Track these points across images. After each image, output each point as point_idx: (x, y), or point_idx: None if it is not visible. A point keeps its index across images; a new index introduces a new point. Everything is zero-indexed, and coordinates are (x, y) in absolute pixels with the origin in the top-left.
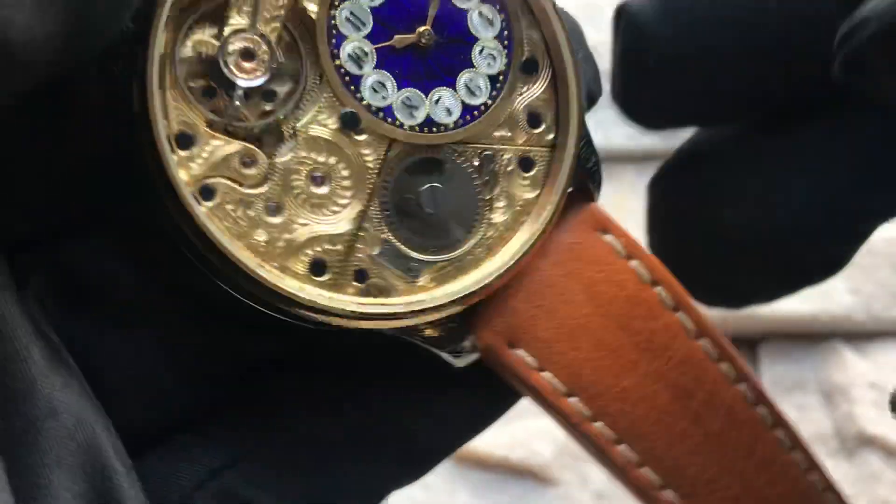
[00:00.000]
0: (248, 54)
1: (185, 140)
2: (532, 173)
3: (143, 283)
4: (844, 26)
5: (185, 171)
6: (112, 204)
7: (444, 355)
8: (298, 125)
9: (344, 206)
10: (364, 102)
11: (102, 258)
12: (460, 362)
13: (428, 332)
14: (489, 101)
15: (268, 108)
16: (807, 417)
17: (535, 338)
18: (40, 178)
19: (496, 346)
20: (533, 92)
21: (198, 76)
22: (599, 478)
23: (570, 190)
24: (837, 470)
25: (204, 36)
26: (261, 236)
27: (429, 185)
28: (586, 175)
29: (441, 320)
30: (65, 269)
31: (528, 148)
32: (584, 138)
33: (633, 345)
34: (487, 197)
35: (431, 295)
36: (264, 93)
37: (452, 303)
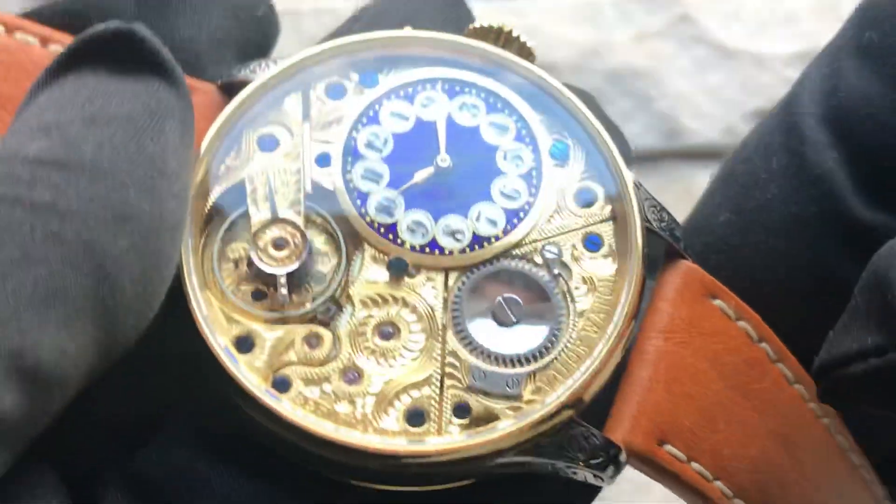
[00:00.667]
0: (278, 244)
1: (244, 344)
2: (602, 251)
3: (226, 480)
4: (821, 356)
5: (253, 372)
6: (179, 405)
7: (587, 474)
8: (351, 291)
9: (421, 349)
10: (406, 245)
11: (180, 458)
12: (607, 475)
13: (567, 451)
14: (530, 199)
15: (317, 286)
16: None
17: (681, 429)
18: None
19: (647, 448)
20: (573, 173)
21: (242, 283)
22: None
23: (646, 252)
24: None
25: (235, 243)
26: (345, 408)
27: (499, 298)
28: (666, 234)
29: (565, 430)
30: (142, 478)
31: (589, 228)
32: (646, 200)
33: (752, 408)
34: (565, 289)
35: (539, 405)
36: (310, 275)
37: (563, 406)
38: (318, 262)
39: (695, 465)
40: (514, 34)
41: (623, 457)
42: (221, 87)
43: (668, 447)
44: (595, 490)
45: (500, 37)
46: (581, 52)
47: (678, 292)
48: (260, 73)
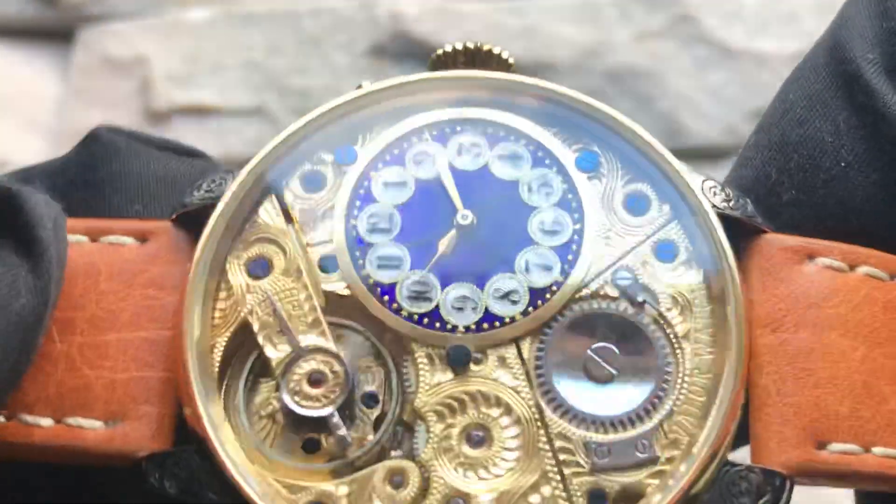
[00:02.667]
0: (314, 380)
1: None
2: (680, 257)
3: None
4: None
5: None
6: None
7: None
8: (417, 403)
9: (522, 444)
10: (459, 328)
11: None
12: None
13: (726, 498)
14: (577, 226)
15: (376, 412)
16: None
17: (838, 418)
18: None
19: (808, 458)
20: (612, 180)
21: (287, 439)
22: None
23: (727, 241)
24: None
25: (262, 395)
26: None
27: (588, 352)
28: (738, 212)
29: (723, 479)
30: None
31: (656, 237)
32: (705, 181)
33: None
34: (655, 315)
35: (686, 463)
36: (358, 400)
37: (711, 455)
38: (364, 381)
39: (877, 449)
40: (487, 49)
41: (788, 482)
42: (178, 220)
43: (834, 446)
44: None
45: (473, 57)
46: (581, 51)
47: (767, 273)
48: (217, 191)
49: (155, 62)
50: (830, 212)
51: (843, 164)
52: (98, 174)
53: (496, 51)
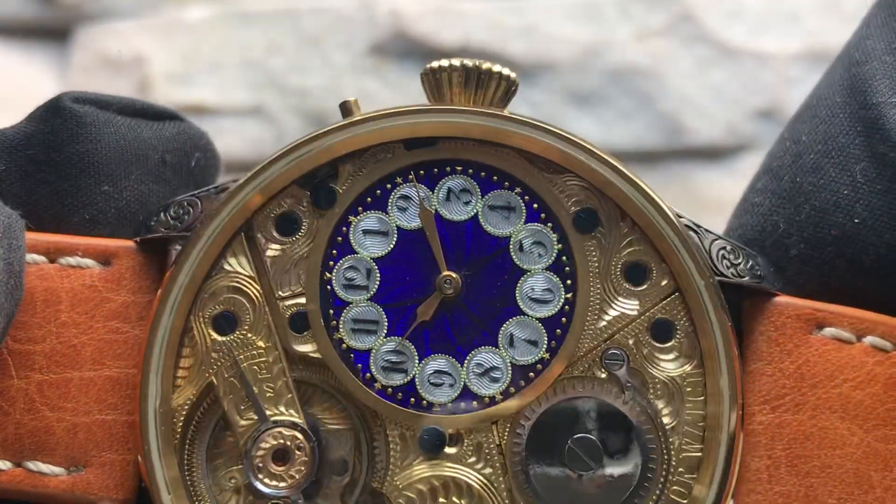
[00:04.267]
0: (278, 457)
1: None
2: (676, 337)
3: None
4: None
5: None
6: None
7: None
8: (386, 488)
9: None
10: (435, 406)
11: None
12: None
13: None
14: (568, 296)
15: (346, 479)
16: None
17: None
18: None
19: None
20: (611, 244)
21: None
22: None
23: (728, 317)
24: None
25: (227, 468)
26: None
27: (569, 444)
28: (746, 278)
29: None
30: None
31: (651, 313)
32: (712, 244)
33: None
34: (644, 405)
35: None
36: (331, 466)
37: None
38: (335, 445)
39: None
40: (486, 68)
41: None
42: (141, 244)
43: None
44: None
45: (469, 78)
46: (582, 51)
47: (774, 343)
48: (184, 221)
49: (153, 61)
50: (838, 271)
51: (856, 220)
52: (63, 153)
53: (496, 69)
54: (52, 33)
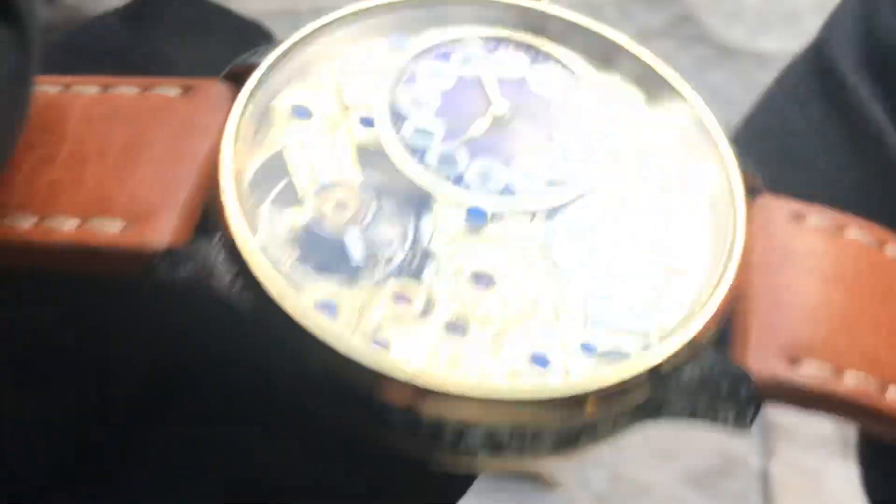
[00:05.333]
0: (337, 208)
1: (327, 310)
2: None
3: None
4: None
5: (346, 329)
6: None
7: (727, 415)
8: (432, 247)
9: (527, 290)
10: (481, 193)
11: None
12: (744, 420)
13: (698, 397)
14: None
15: (389, 252)
16: None
17: (814, 340)
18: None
19: (779, 373)
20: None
21: (304, 256)
22: (599, 480)
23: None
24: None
25: (286, 214)
26: (469, 362)
27: (594, 238)
28: (742, 168)
29: (700, 372)
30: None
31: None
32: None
33: None
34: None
35: (664, 342)
36: (378, 238)
37: (698, 340)
38: (383, 223)
39: (849, 374)
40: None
41: (755, 389)
42: (227, 77)
43: (807, 364)
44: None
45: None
46: None
47: (762, 228)
48: (273, 52)
49: None
50: (800, 195)
51: (814, 152)
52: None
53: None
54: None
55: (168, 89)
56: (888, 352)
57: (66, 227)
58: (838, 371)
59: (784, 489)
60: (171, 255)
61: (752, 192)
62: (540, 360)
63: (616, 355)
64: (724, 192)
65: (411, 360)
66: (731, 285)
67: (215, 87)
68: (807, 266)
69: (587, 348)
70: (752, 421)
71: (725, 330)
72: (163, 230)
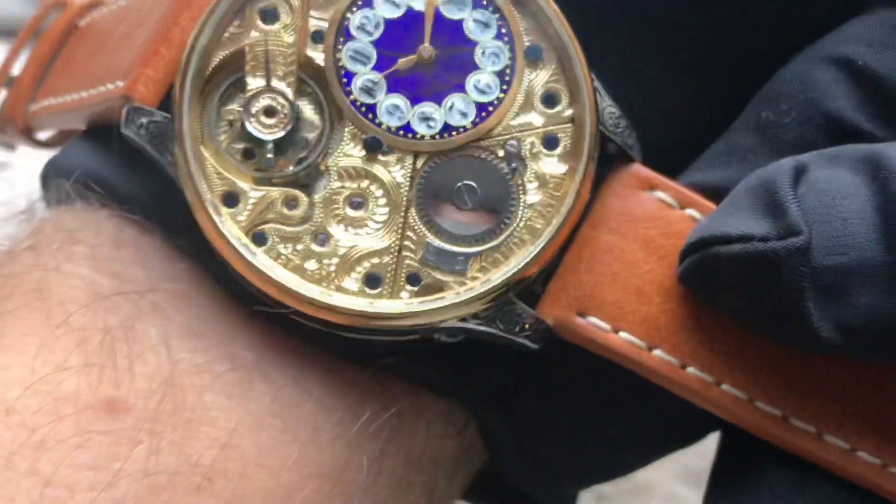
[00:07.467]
0: (269, 112)
1: (230, 199)
2: (558, 150)
3: None
4: (700, 231)
5: (234, 224)
6: None
7: (521, 340)
8: (329, 161)
9: (384, 222)
10: (383, 126)
11: None
12: (536, 343)
13: (500, 323)
14: (501, 95)
15: (302, 154)
16: None
17: (603, 302)
18: None
19: (566, 318)
20: (542, 76)
21: (236, 141)
22: None
23: (597, 156)
24: None
25: (233, 105)
26: (313, 266)
27: (459, 184)
28: (618, 139)
29: (502, 307)
30: None
31: (549, 128)
32: (606, 107)
33: None
34: (519, 182)
35: (481, 282)
36: (295, 141)
37: (503, 285)
38: (304, 129)
39: (623, 334)
40: None
41: (541, 322)
42: None
43: (591, 319)
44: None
45: None
46: None
47: (612, 190)
48: None
49: None
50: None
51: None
52: None
53: None
54: None
55: None
56: (666, 318)
57: (85, 95)
58: (616, 329)
59: None
60: (130, 112)
61: (621, 155)
62: (374, 281)
63: (435, 289)
64: (581, 157)
65: (273, 261)
66: (557, 239)
67: None
68: (633, 232)
69: (414, 278)
70: (540, 346)
71: (552, 268)
72: (134, 88)
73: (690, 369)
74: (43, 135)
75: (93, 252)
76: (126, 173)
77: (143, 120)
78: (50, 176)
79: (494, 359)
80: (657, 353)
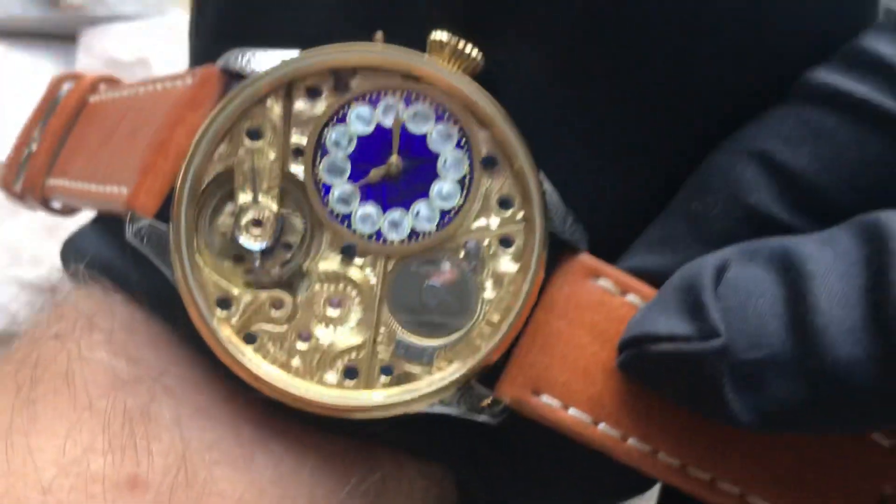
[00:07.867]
0: (256, 223)
1: (223, 303)
2: (513, 249)
3: None
4: (633, 327)
5: (227, 327)
6: None
7: (481, 419)
8: (311, 265)
9: (360, 320)
10: (357, 233)
11: None
12: (496, 419)
13: (464, 405)
14: (461, 202)
15: (287, 256)
16: None
17: (554, 382)
18: None
19: (522, 398)
20: (497, 182)
21: (228, 249)
22: None
23: (547, 252)
24: None
25: (224, 216)
26: (297, 363)
27: (425, 283)
28: (566, 235)
29: (466, 391)
30: None
31: (504, 230)
32: (554, 207)
33: None
34: (479, 279)
35: (449, 372)
36: (281, 246)
37: (468, 374)
38: (288, 233)
39: (572, 410)
40: (463, 49)
41: (499, 403)
42: (223, 72)
43: (544, 397)
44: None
45: (453, 54)
46: None
47: (563, 276)
48: (253, 65)
49: (158, 63)
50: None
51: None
52: None
53: (468, 51)
54: (57, 36)
55: (179, 81)
56: (609, 396)
57: (94, 188)
58: (566, 406)
59: None
60: (132, 217)
61: (569, 247)
62: (352, 373)
63: (406, 380)
64: (533, 247)
65: (261, 358)
66: (513, 331)
67: (216, 79)
68: (580, 318)
69: (387, 370)
70: (498, 422)
71: (509, 354)
72: (136, 199)
73: (631, 440)
74: (57, 203)
75: (109, 337)
76: (134, 263)
77: (144, 228)
78: (69, 257)
79: (465, 428)
80: (602, 426)
